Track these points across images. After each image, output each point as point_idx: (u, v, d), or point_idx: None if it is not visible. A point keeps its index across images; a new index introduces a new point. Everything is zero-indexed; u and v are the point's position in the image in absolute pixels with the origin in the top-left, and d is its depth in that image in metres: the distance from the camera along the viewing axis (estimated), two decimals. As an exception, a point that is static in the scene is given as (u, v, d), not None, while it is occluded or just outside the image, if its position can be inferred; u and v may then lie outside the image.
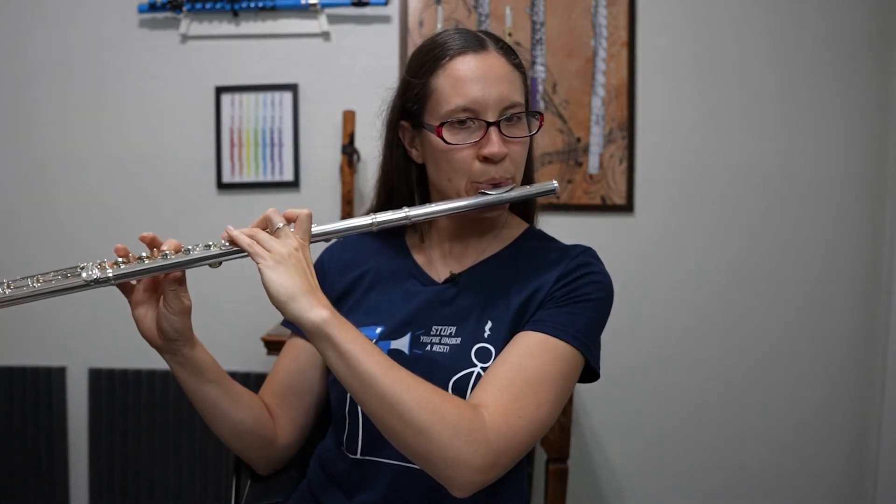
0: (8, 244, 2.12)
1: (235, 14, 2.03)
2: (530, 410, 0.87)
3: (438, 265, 1.06)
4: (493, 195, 0.96)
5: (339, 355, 0.82)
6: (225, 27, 2.06)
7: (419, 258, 1.08)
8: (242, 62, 2.07)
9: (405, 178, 1.06)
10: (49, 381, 2.11)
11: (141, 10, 2.04)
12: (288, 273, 0.84)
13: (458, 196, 0.98)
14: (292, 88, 2.05)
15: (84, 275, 0.86)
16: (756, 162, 2.02)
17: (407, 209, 0.94)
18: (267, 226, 0.90)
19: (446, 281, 1.03)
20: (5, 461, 2.13)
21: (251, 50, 2.07)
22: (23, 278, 0.88)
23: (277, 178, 2.07)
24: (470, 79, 0.94)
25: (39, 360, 2.11)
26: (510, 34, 1.92)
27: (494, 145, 0.94)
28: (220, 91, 2.06)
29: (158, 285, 0.92)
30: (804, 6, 1.99)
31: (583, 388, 2.06)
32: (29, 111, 2.10)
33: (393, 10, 2.04)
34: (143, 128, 2.09)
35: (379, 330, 1.01)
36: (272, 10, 2.04)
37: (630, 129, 2.03)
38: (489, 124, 0.94)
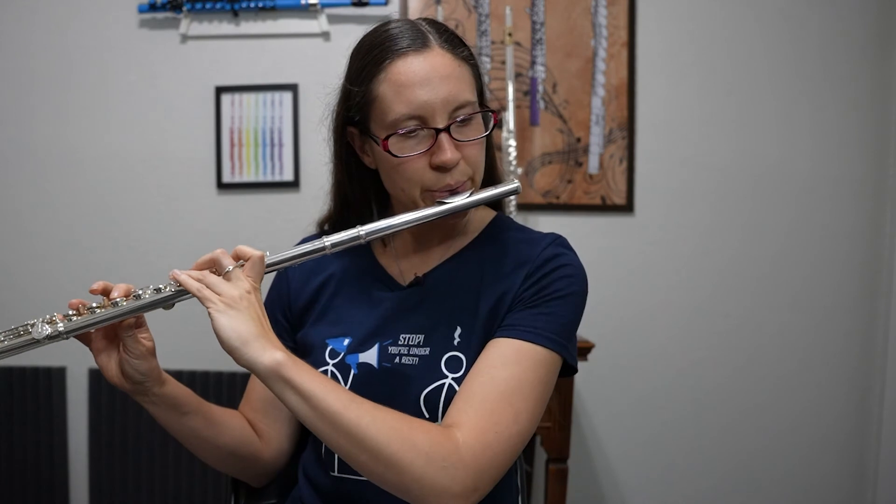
0: (7, 244, 2.12)
1: (235, 14, 2.03)
2: (507, 425, 0.84)
3: (403, 266, 1.02)
4: (451, 204, 0.91)
5: (299, 396, 0.78)
6: (225, 27, 2.06)
7: (383, 259, 1.04)
8: (242, 62, 2.07)
9: (359, 185, 1.01)
10: (49, 381, 2.11)
11: (141, 10, 2.04)
12: (239, 317, 0.79)
13: (414, 204, 0.93)
14: (292, 88, 2.05)
15: (35, 332, 0.84)
16: (756, 162, 2.02)
17: (360, 227, 0.89)
18: (215, 267, 0.85)
19: (411, 284, 0.99)
20: (5, 461, 2.13)
21: (251, 50, 2.07)
22: None
23: (277, 178, 2.07)
24: (413, 83, 0.87)
25: (39, 361, 2.11)
26: (510, 34, 1.92)
27: (446, 153, 0.88)
28: (220, 91, 2.06)
29: (116, 332, 0.88)
30: (804, 6, 1.99)
31: (583, 389, 2.06)
32: (29, 111, 2.10)
33: (393, 10, 2.04)
34: (143, 128, 2.09)
35: (347, 342, 0.98)
36: (272, 10, 2.04)
37: (630, 129, 2.03)
38: (438, 131, 0.88)
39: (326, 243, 0.88)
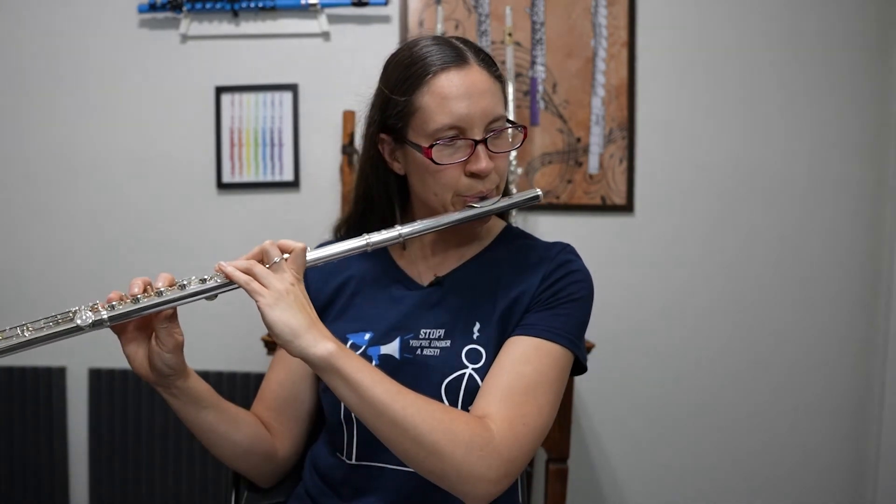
0: (6, 244, 2.12)
1: (235, 14, 2.03)
2: (533, 417, 0.91)
3: (422, 269, 1.08)
4: (481, 208, 0.99)
5: (348, 386, 0.84)
6: (225, 27, 2.06)
7: (402, 262, 1.09)
8: (242, 62, 2.07)
9: (386, 189, 1.07)
10: (49, 381, 2.11)
11: (141, 10, 2.04)
12: (289, 310, 0.85)
13: (444, 208, 0.99)
14: (292, 88, 2.05)
15: (78, 320, 0.85)
16: (756, 162, 2.02)
17: (399, 227, 0.96)
18: (263, 258, 0.90)
19: (431, 284, 1.05)
20: (5, 461, 2.13)
21: (251, 50, 2.07)
22: (12, 328, 0.84)
23: (277, 178, 2.07)
24: (455, 96, 0.95)
25: (39, 361, 2.11)
26: (510, 34, 1.92)
27: (482, 162, 0.95)
28: (220, 91, 2.06)
29: (149, 323, 0.91)
30: (804, 7, 1.99)
31: (583, 389, 2.06)
32: (29, 111, 2.10)
33: (393, 10, 2.04)
34: (143, 128, 2.09)
35: (368, 336, 1.02)
36: (272, 10, 2.04)
37: (630, 129, 2.03)
38: (476, 142, 0.95)
39: (367, 242, 0.94)
